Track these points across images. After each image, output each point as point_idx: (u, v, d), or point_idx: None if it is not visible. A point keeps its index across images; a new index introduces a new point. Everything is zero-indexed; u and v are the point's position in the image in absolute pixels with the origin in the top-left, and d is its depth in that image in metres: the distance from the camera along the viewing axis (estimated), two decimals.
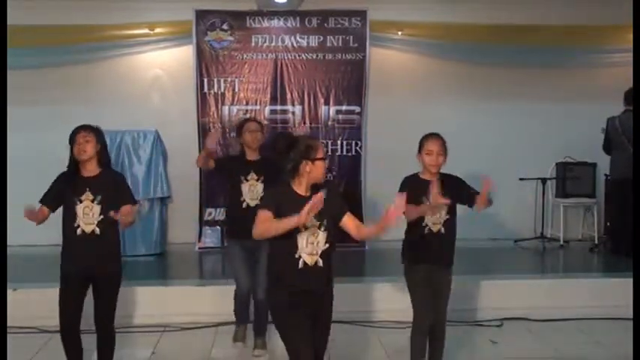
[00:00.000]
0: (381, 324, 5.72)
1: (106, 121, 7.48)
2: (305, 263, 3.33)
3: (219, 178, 5.19)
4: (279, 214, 3.30)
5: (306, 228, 3.31)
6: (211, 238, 8.08)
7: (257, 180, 4.98)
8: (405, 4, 8.28)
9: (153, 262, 7.51)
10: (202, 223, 8.12)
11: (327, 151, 8.17)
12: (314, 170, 3.40)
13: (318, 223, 3.35)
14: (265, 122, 7.67)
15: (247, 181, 5.00)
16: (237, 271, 5.05)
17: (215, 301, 5.78)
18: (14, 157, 7.50)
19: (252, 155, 5.12)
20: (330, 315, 3.53)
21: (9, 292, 5.54)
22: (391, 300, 5.80)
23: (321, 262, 3.36)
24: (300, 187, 3.43)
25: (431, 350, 4.33)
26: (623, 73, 7.72)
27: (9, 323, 5.25)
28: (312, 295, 3.37)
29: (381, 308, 5.86)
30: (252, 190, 4.95)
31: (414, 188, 4.16)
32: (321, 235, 3.37)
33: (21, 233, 6.87)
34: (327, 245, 3.39)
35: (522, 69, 8.58)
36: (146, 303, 5.78)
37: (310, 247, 3.33)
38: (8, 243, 7.04)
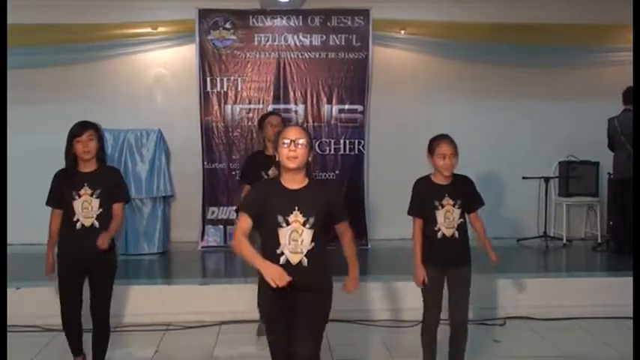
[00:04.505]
0: (383, 323, 5.71)
1: (109, 120, 7.53)
2: (287, 260, 3.18)
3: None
4: (263, 211, 3.22)
5: (288, 224, 3.19)
6: (214, 237, 8.10)
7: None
8: (408, 3, 8.28)
9: (156, 261, 7.52)
10: (205, 221, 8.12)
11: (330, 150, 8.19)
12: (280, 157, 3.24)
13: (303, 220, 3.19)
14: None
15: (269, 176, 4.92)
16: None
17: (218, 300, 5.79)
18: (16, 157, 7.52)
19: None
20: (314, 313, 3.28)
21: (12, 291, 5.56)
22: (393, 299, 5.81)
23: (306, 262, 3.19)
24: (286, 179, 3.28)
25: (452, 349, 4.30)
26: (626, 72, 7.68)
27: (12, 322, 5.29)
28: (295, 293, 3.17)
29: (383, 307, 5.85)
30: None
31: (426, 192, 4.18)
32: (306, 233, 3.19)
33: (24, 232, 6.94)
34: (314, 244, 3.21)
35: (525, 68, 8.56)
36: (149, 301, 5.78)
37: (293, 245, 3.18)
38: (11, 242, 7.11)
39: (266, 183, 3.39)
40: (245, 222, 3.25)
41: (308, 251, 3.21)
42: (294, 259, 3.19)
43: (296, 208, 3.20)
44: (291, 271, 3.12)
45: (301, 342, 3.21)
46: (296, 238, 3.19)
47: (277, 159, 3.27)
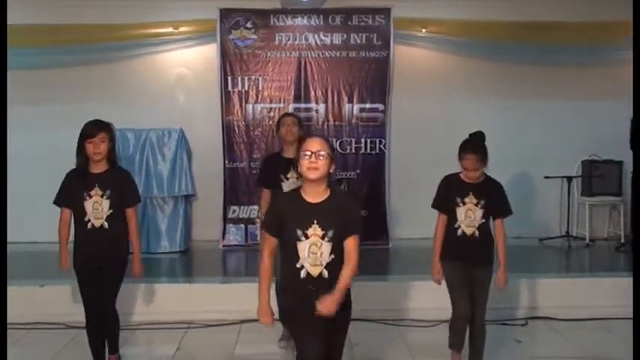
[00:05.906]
0: (405, 322, 5.70)
1: (131, 119, 7.65)
2: (308, 273, 3.18)
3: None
4: (283, 226, 3.22)
5: (307, 237, 3.17)
6: (235, 235, 8.13)
7: (297, 178, 4.81)
8: (429, 2, 8.24)
9: (177, 260, 7.57)
10: (226, 220, 8.14)
11: (351, 149, 8.18)
12: (301, 168, 3.21)
13: (322, 233, 3.18)
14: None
15: (287, 179, 4.84)
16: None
17: (239, 298, 5.79)
18: (38, 156, 7.62)
19: (289, 152, 4.87)
20: (341, 321, 3.28)
21: (36, 288, 5.64)
22: (415, 298, 5.80)
23: (326, 274, 3.18)
24: (307, 191, 3.25)
25: (471, 349, 4.31)
26: None
27: (37, 319, 5.37)
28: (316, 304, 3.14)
29: (405, 307, 5.84)
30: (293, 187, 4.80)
31: (449, 187, 4.25)
32: (325, 246, 3.18)
33: (48, 230, 7.00)
34: (333, 256, 3.19)
35: (547, 67, 8.49)
36: (171, 300, 5.82)
37: (313, 258, 3.18)
38: (35, 240, 7.21)
39: (286, 196, 3.38)
40: (270, 241, 3.29)
41: (328, 263, 3.20)
42: (315, 272, 3.19)
43: (315, 221, 3.19)
44: (311, 283, 3.17)
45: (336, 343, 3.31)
46: (315, 251, 3.19)
47: (299, 170, 3.26)
